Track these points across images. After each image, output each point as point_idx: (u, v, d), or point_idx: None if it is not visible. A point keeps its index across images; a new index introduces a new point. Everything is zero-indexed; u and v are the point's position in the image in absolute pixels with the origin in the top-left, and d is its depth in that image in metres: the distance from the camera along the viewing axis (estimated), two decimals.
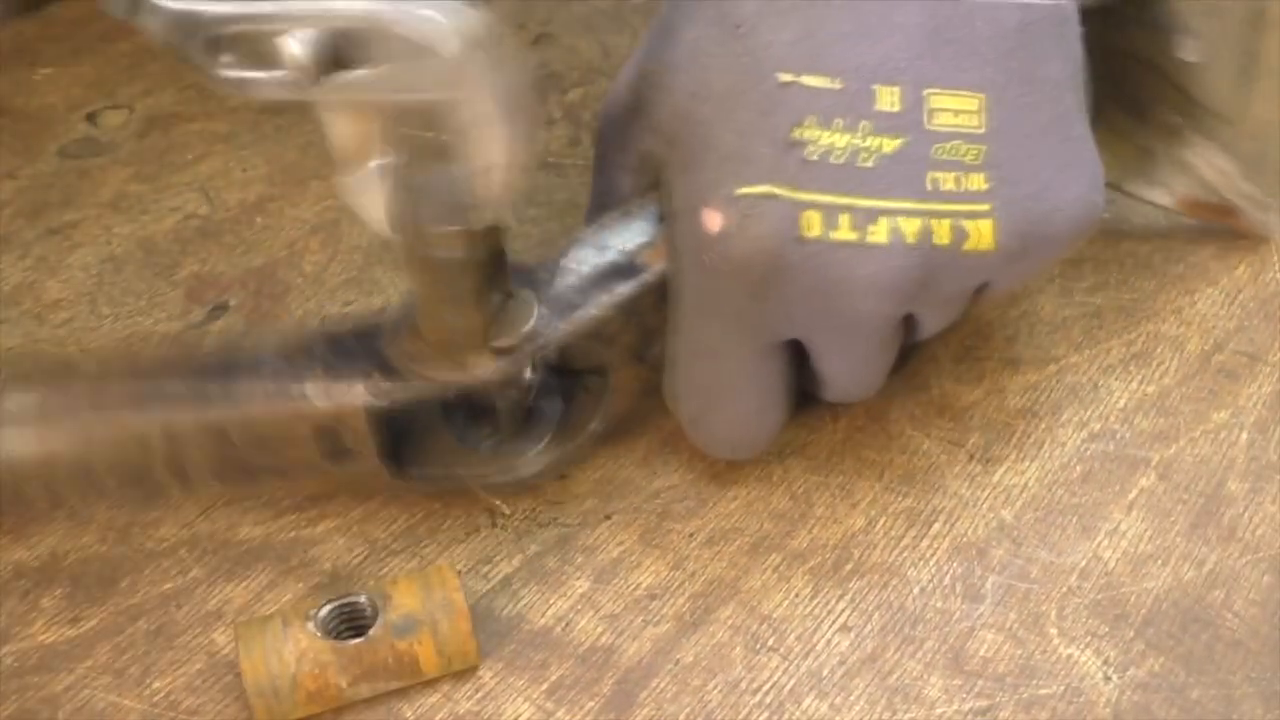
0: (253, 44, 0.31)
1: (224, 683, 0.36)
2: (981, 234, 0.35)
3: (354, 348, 0.37)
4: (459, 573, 0.38)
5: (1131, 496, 0.41)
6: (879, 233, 0.35)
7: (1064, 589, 0.38)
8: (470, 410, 0.39)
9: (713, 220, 0.35)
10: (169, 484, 0.38)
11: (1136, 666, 0.36)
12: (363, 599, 0.35)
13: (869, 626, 0.37)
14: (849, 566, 0.39)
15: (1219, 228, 0.48)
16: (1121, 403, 0.43)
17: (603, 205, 0.40)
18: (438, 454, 0.39)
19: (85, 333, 0.45)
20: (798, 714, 0.35)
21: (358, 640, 0.34)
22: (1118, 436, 0.42)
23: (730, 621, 0.38)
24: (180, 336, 0.45)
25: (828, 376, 0.39)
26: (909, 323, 0.38)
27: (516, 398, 0.39)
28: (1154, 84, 0.45)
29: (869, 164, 0.35)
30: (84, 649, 0.37)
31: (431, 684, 0.36)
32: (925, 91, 0.35)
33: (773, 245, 0.35)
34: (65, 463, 0.37)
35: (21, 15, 0.51)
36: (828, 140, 0.35)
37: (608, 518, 0.40)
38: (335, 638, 0.34)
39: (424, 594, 0.35)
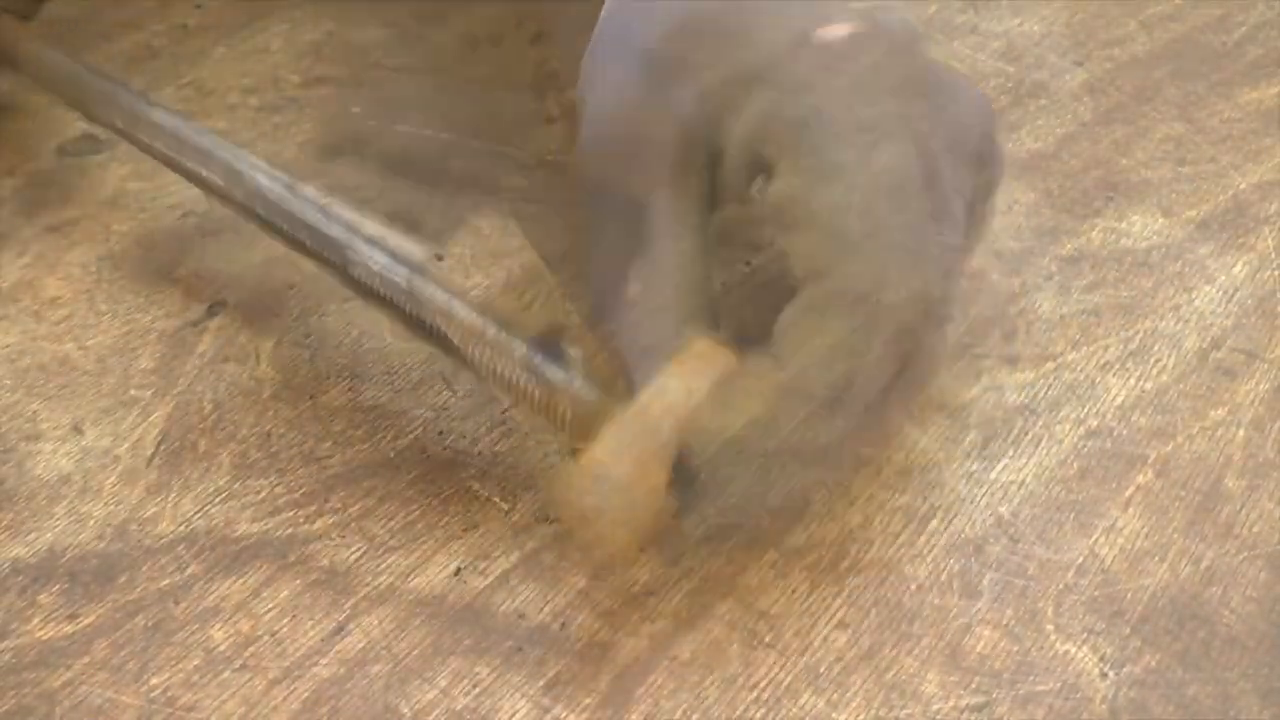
0: None
1: (221, 679, 0.36)
2: None
3: None
4: (457, 568, 0.39)
5: (1129, 493, 0.41)
6: None
7: (1061, 585, 0.38)
8: None
9: None
10: None
11: (1133, 663, 0.36)
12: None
13: (866, 623, 0.37)
14: (846, 563, 0.39)
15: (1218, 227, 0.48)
16: (1119, 400, 0.44)
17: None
18: None
19: (84, 330, 0.45)
20: (795, 710, 0.35)
21: None
22: (1115, 434, 0.42)
23: (727, 618, 0.38)
24: (178, 334, 0.45)
25: None
26: None
27: None
28: None
29: None
30: (81, 645, 0.37)
31: (428, 680, 0.36)
32: None
33: None
34: None
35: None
36: None
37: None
38: None
39: None
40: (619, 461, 0.33)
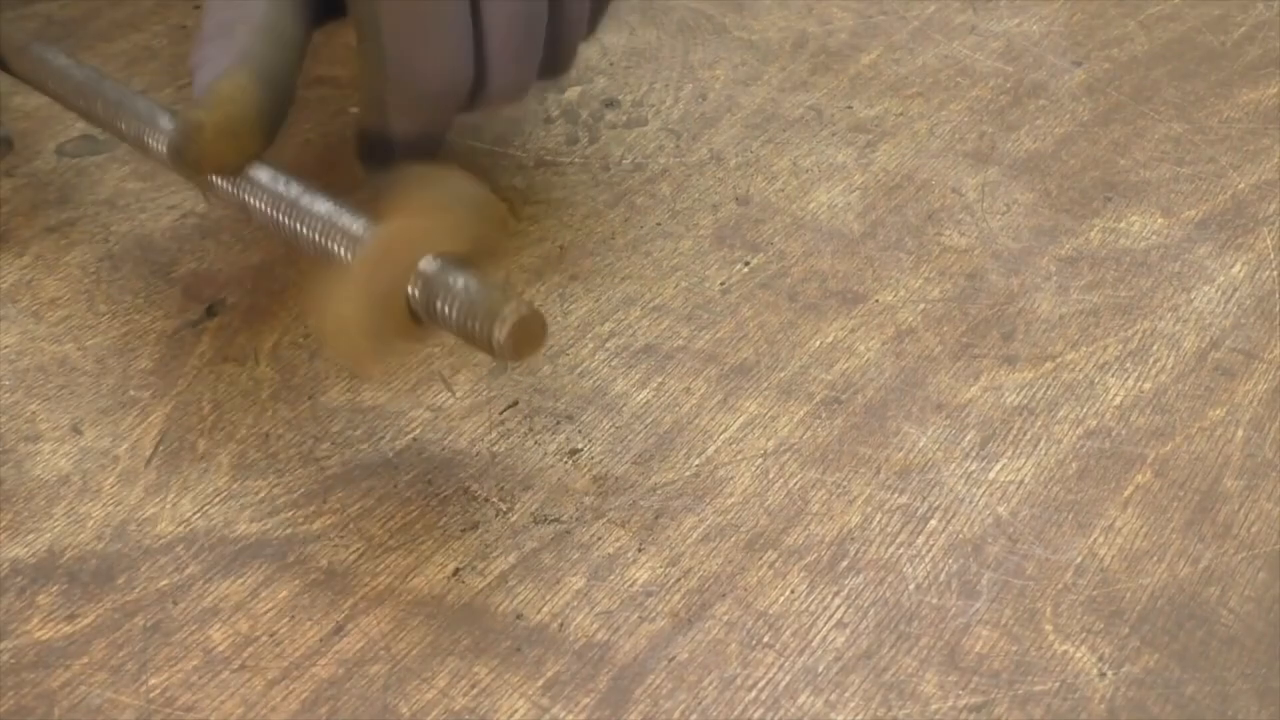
0: None
1: (220, 679, 0.36)
2: None
3: None
4: (456, 569, 0.39)
5: (1127, 493, 0.41)
6: None
7: (1059, 586, 0.38)
8: None
9: None
10: None
11: (1131, 663, 0.36)
12: None
13: (864, 623, 0.37)
14: (845, 563, 0.39)
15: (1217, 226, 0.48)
16: (1118, 400, 0.44)
17: None
18: None
19: (82, 330, 0.45)
20: (793, 710, 0.36)
21: None
22: (1114, 434, 0.42)
23: (726, 618, 0.38)
24: (176, 335, 0.45)
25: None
26: None
27: None
28: None
29: None
30: (80, 645, 0.37)
31: (427, 680, 0.36)
32: None
33: None
34: None
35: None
36: None
37: (603, 515, 0.40)
38: None
39: None
40: (367, 279, 0.37)
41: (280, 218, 0.40)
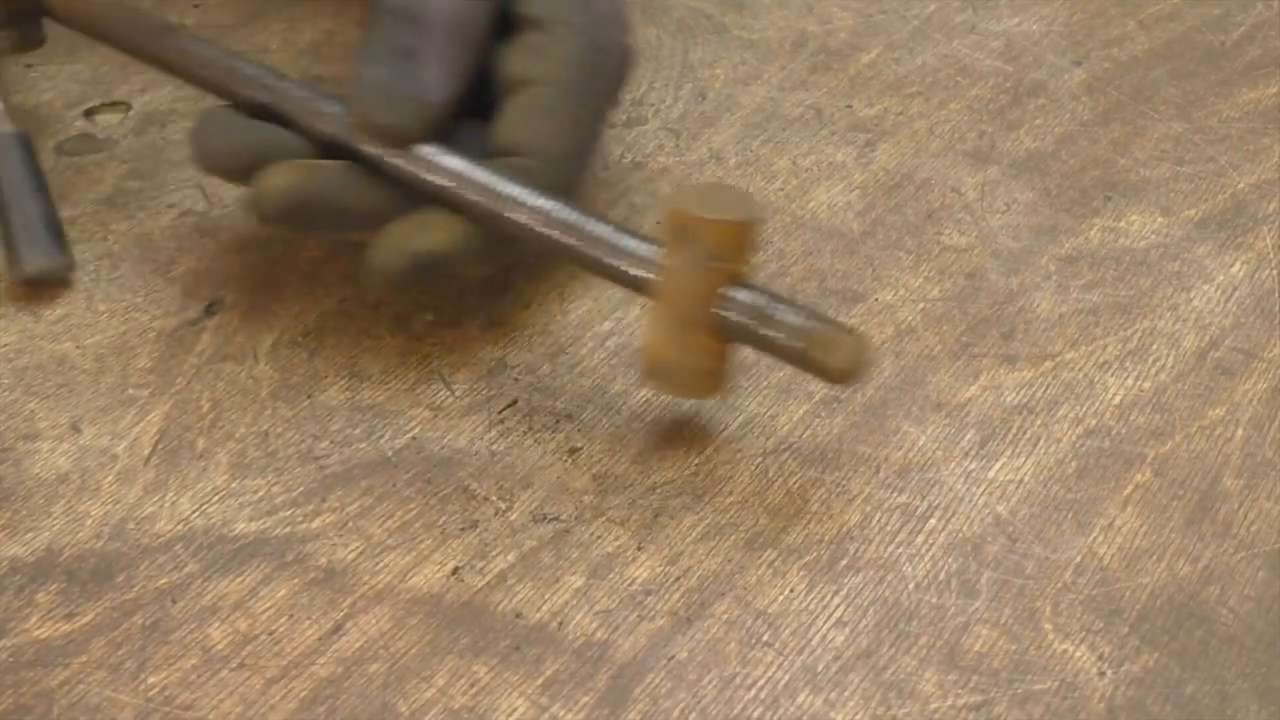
0: None
1: (219, 677, 0.36)
2: None
3: None
4: (455, 567, 0.39)
5: (1127, 492, 0.41)
6: None
7: (1059, 585, 0.38)
8: None
9: None
10: None
11: (1131, 662, 0.36)
12: None
13: (864, 622, 0.37)
14: (844, 562, 0.39)
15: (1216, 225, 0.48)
16: (1117, 399, 0.44)
17: None
18: None
19: (81, 329, 0.45)
20: (792, 709, 0.35)
21: None
22: (1113, 433, 0.42)
23: (725, 617, 0.38)
24: (176, 333, 0.45)
25: None
26: None
27: None
28: None
29: None
30: (79, 644, 0.37)
31: (426, 679, 0.36)
32: None
33: None
34: None
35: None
36: None
37: (602, 514, 0.40)
38: None
39: None
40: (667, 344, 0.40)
41: (567, 240, 0.41)
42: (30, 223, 0.47)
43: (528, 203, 0.41)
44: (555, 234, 0.41)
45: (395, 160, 0.42)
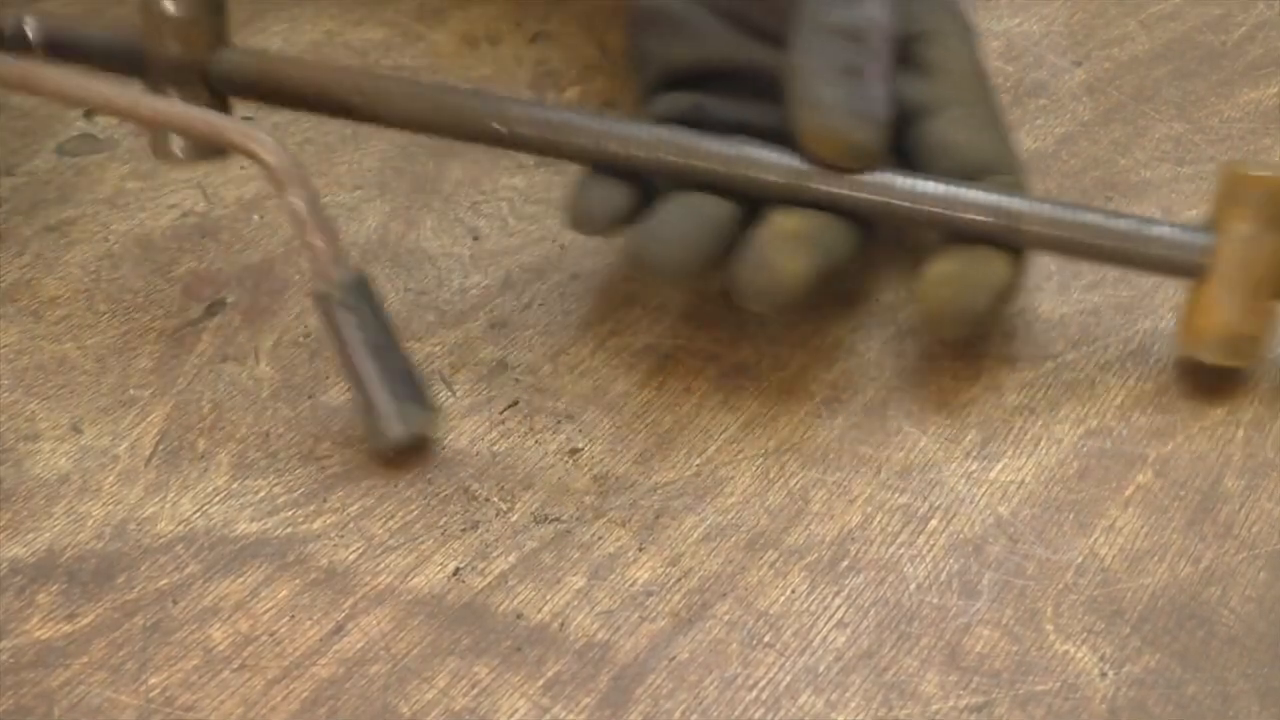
0: None
1: (220, 678, 0.36)
2: None
3: None
4: (456, 568, 0.39)
5: (1128, 493, 0.41)
6: None
7: (1060, 585, 0.38)
8: None
9: None
10: None
11: (1132, 663, 0.36)
12: None
13: (865, 623, 0.37)
14: (845, 563, 0.39)
15: None
16: (1119, 400, 0.43)
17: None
18: None
19: (82, 329, 0.45)
20: (794, 710, 0.35)
21: None
22: (1115, 433, 0.42)
23: (726, 618, 0.38)
24: (178, 333, 0.45)
25: None
26: None
27: None
28: None
29: None
30: (80, 645, 0.37)
31: (427, 680, 0.36)
32: None
33: None
34: None
35: None
36: None
37: (604, 514, 0.40)
38: None
39: None
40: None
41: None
42: (392, 382, 0.40)
43: (1043, 214, 0.42)
44: (1080, 238, 0.42)
45: (875, 195, 0.42)
